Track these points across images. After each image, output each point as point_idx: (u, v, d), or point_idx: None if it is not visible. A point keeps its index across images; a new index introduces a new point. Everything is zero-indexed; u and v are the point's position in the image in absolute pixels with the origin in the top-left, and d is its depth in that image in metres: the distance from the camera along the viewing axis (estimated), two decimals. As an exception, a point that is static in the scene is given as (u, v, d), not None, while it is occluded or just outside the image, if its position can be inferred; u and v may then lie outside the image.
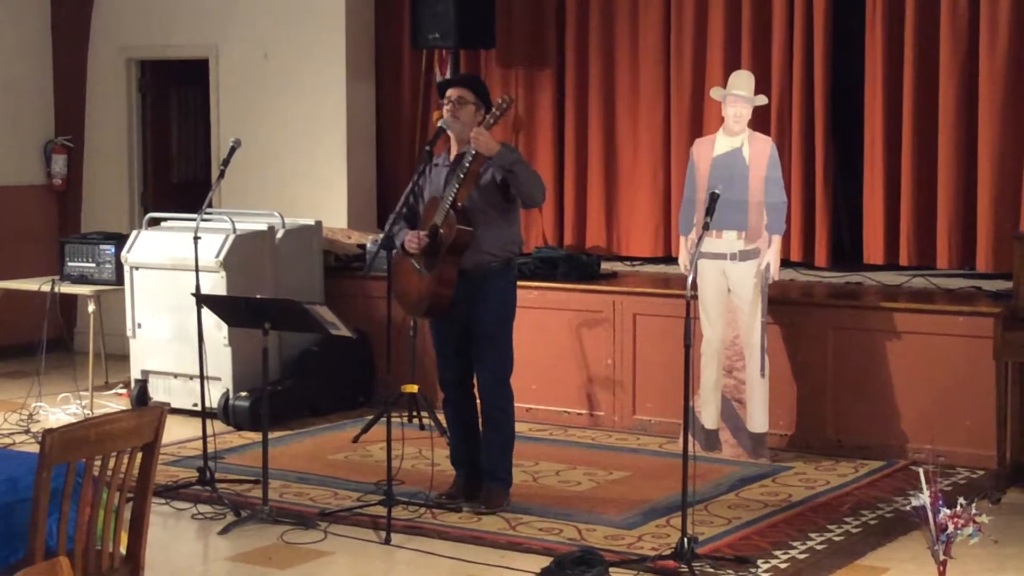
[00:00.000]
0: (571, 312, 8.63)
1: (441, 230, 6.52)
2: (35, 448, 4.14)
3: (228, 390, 8.57)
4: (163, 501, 6.80)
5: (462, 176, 6.50)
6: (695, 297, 7.51)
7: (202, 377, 7.15)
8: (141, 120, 11.20)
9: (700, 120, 9.10)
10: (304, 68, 10.28)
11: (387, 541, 6.24)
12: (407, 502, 6.71)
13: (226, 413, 8.54)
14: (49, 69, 11.28)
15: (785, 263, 8.45)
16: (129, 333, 8.98)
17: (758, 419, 7.61)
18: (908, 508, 5.19)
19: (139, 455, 4.35)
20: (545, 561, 5.85)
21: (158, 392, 8.90)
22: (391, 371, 6.76)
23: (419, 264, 6.58)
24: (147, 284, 8.85)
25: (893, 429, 7.72)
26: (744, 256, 7.58)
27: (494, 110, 6.53)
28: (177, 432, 8.13)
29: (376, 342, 9.01)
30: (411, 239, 6.56)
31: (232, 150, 7.20)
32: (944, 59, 8.32)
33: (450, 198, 6.51)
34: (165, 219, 9.27)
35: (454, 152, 6.71)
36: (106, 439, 4.18)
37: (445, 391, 6.91)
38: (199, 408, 7.36)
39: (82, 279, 9.31)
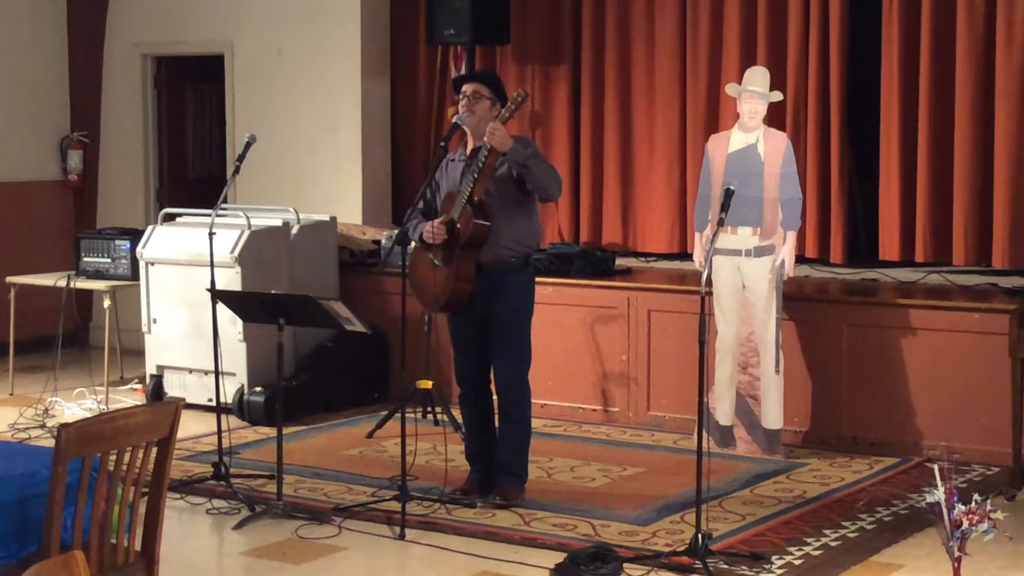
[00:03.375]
0: (586, 308, 8.63)
1: (458, 225, 6.52)
2: (51, 443, 4.14)
3: (243, 385, 8.58)
4: (178, 496, 6.81)
5: (478, 171, 6.50)
6: (710, 293, 7.50)
7: (217, 372, 7.16)
8: (156, 116, 11.22)
9: (716, 116, 9.09)
10: (319, 64, 10.29)
11: (401, 536, 6.24)
12: (421, 497, 6.72)
13: (241, 408, 8.55)
14: (65, 65, 11.30)
15: (800, 259, 8.43)
16: (144, 328, 8.99)
17: (773, 415, 7.60)
18: (923, 504, 5.18)
19: (154, 450, 4.36)
20: (559, 557, 5.85)
21: (173, 387, 8.92)
22: (406, 367, 6.76)
23: (437, 259, 6.58)
24: (162, 279, 8.87)
25: (908, 426, 7.71)
26: (759, 252, 7.56)
27: (509, 104, 6.53)
28: (192, 427, 8.14)
29: (391, 338, 9.01)
30: (429, 229, 6.57)
31: (247, 146, 7.21)
32: (960, 55, 8.30)
33: (466, 193, 6.51)
34: (180, 215, 9.28)
35: (470, 147, 6.71)
36: (121, 434, 4.19)
37: (462, 386, 6.91)
38: (214, 403, 7.37)
39: (98, 274, 9.33)
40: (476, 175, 6.50)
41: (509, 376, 6.71)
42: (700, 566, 5.71)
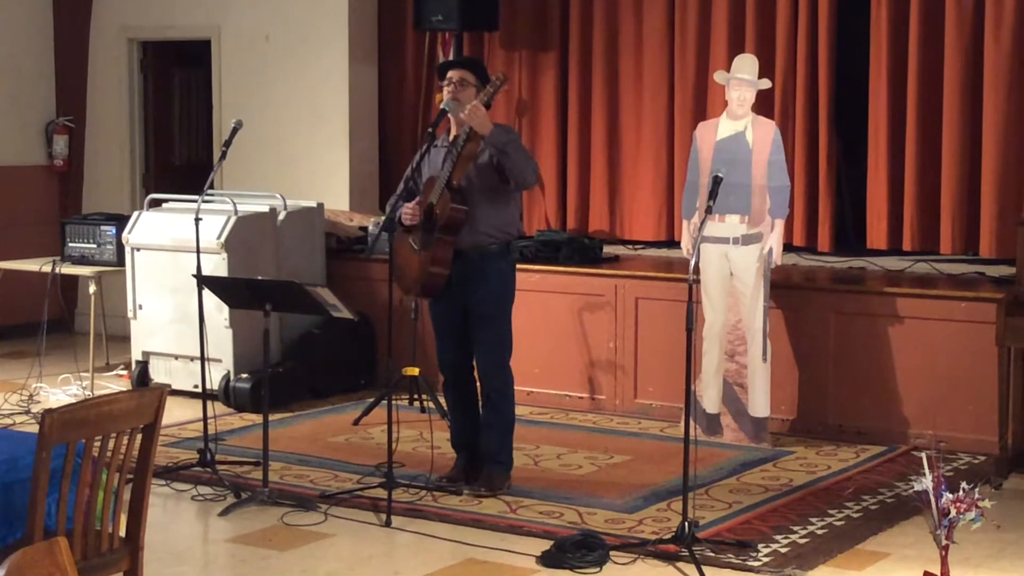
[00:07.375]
0: (573, 295, 8.61)
1: (436, 210, 6.51)
2: (35, 428, 4.12)
3: (229, 372, 8.56)
4: (163, 482, 6.79)
5: (457, 155, 6.50)
6: (697, 281, 7.48)
7: (203, 359, 7.14)
8: (143, 101, 11.18)
9: (704, 103, 9.07)
10: (306, 50, 10.25)
11: (387, 524, 6.23)
12: (408, 485, 6.71)
13: (227, 395, 8.54)
14: (51, 49, 11.25)
15: (788, 247, 8.43)
16: (130, 314, 8.97)
17: (760, 403, 7.60)
18: (911, 492, 5.18)
19: (139, 436, 4.33)
20: (545, 544, 5.85)
21: (159, 373, 8.90)
22: (392, 354, 6.75)
23: (416, 242, 6.58)
24: (148, 265, 8.84)
25: (895, 414, 7.71)
26: (747, 240, 7.56)
27: (488, 87, 6.54)
28: (178, 413, 8.13)
29: (377, 324, 9.00)
30: (407, 210, 6.56)
31: (234, 131, 7.17)
32: (949, 43, 8.30)
33: (446, 177, 6.50)
34: (166, 200, 9.25)
35: (453, 133, 6.70)
36: (106, 420, 4.17)
37: (445, 374, 6.90)
38: (200, 390, 7.36)
39: (83, 260, 9.29)
40: (456, 159, 6.50)
41: (491, 363, 6.70)
42: (686, 554, 5.70)
